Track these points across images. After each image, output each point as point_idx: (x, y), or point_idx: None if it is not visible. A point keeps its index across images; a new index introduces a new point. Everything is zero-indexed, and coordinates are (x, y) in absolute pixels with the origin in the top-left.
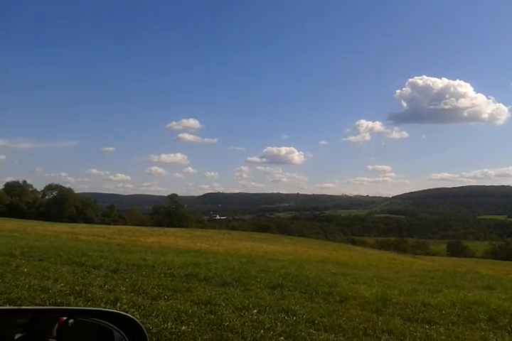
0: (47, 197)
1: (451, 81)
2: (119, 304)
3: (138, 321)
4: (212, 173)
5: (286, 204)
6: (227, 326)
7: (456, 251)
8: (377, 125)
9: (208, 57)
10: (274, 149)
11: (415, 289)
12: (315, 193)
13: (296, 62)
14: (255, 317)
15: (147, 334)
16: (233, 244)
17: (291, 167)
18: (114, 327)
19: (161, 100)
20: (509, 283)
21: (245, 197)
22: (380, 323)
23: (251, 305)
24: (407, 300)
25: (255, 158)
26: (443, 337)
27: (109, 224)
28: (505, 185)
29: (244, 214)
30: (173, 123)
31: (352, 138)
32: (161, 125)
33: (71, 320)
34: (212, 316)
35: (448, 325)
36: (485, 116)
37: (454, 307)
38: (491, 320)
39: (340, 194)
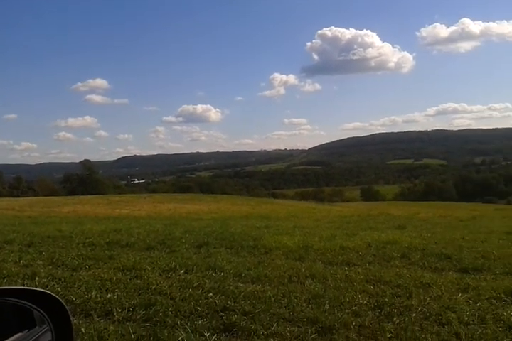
0: None
1: (358, 31)
2: (37, 278)
3: (56, 296)
4: (126, 136)
5: (207, 163)
6: (154, 289)
7: (368, 195)
8: (291, 78)
9: (111, 12)
10: (190, 107)
11: (334, 234)
12: (235, 150)
13: (206, 16)
14: (183, 277)
15: (67, 309)
16: (155, 207)
17: (208, 125)
18: (31, 305)
19: (64, 60)
20: (418, 221)
21: (164, 158)
22: (303, 269)
23: (178, 266)
24: (326, 246)
25: (171, 118)
26: (361, 277)
27: (18, 196)
28: (411, 130)
29: (164, 175)
30: (79, 84)
31: (267, 92)
32: (65, 87)
33: None
34: (139, 281)
35: (365, 265)
36: (391, 64)
37: (370, 248)
38: (404, 257)
39: (259, 149)
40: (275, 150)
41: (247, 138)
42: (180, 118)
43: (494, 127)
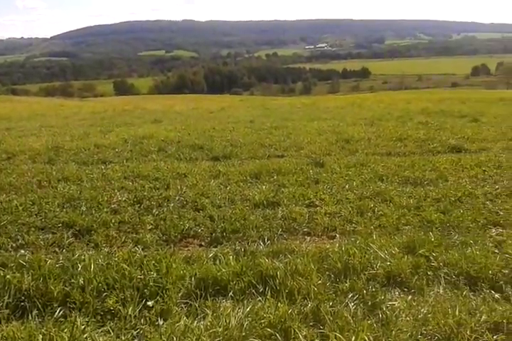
0: None
1: None
2: None
3: None
4: None
5: None
6: None
7: (123, 90)
8: None
9: None
10: None
11: (87, 132)
12: None
13: None
14: None
15: None
16: None
17: None
18: None
19: None
20: (173, 114)
21: None
22: (54, 173)
23: None
24: (79, 145)
25: None
26: (119, 174)
27: None
28: (160, 19)
29: None
30: None
31: None
32: None
33: None
34: None
35: (123, 162)
36: None
37: (127, 144)
38: (161, 150)
39: None
40: (10, 38)
41: None
42: None
43: (238, 20)
